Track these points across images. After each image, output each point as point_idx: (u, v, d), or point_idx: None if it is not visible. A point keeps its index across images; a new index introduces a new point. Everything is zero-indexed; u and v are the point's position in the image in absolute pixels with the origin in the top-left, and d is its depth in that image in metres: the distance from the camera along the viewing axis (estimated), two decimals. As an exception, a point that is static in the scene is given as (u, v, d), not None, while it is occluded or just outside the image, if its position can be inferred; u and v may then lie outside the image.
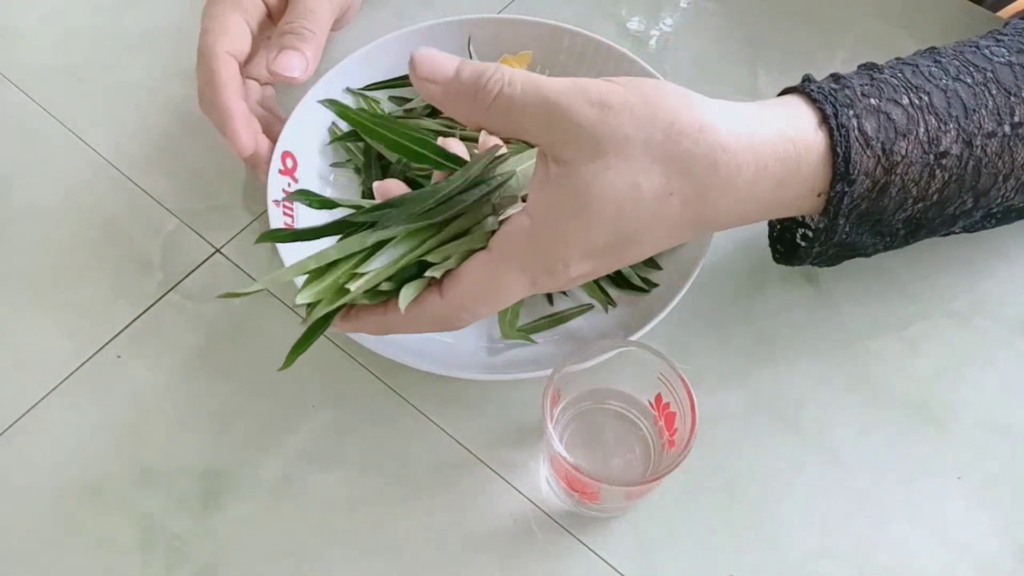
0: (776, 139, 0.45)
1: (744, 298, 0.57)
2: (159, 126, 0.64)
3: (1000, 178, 0.49)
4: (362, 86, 0.62)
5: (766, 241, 0.59)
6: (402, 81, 0.62)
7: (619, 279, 0.56)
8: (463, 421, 0.54)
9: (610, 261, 0.45)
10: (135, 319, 0.57)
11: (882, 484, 0.52)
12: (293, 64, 0.56)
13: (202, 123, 0.59)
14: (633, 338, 0.51)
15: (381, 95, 0.62)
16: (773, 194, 0.46)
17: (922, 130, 0.47)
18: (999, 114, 0.49)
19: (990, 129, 0.48)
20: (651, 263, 0.56)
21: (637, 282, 0.56)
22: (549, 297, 0.56)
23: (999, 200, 0.51)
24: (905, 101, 0.47)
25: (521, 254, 0.44)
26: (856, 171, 0.46)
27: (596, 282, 0.56)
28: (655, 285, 0.56)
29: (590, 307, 0.56)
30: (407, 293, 0.44)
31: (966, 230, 0.54)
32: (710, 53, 0.67)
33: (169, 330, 0.57)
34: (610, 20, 0.69)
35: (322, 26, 0.58)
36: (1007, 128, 0.49)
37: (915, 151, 0.47)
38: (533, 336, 0.55)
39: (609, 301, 0.56)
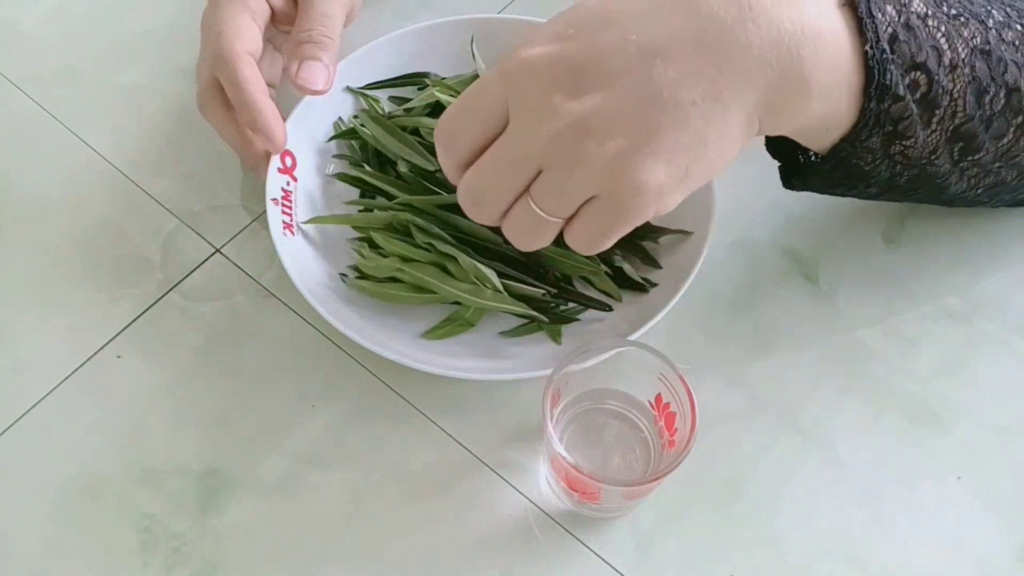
0: None
1: (744, 297, 0.57)
2: (159, 126, 0.64)
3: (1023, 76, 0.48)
4: (362, 85, 0.62)
5: (765, 241, 0.59)
6: (402, 81, 0.62)
7: (619, 278, 0.56)
8: (463, 421, 0.54)
9: (580, 43, 0.42)
10: (135, 319, 0.57)
11: (882, 484, 0.52)
12: (317, 78, 0.57)
13: (202, 123, 0.59)
14: (633, 338, 0.51)
15: (381, 94, 0.62)
16: None
17: None
18: (1007, 13, 0.48)
19: (1001, 19, 0.48)
20: (651, 262, 0.56)
21: (637, 280, 0.56)
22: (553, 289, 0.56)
23: None
24: None
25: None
26: None
27: (595, 283, 0.56)
28: (654, 284, 0.56)
29: (590, 307, 0.56)
30: None
31: (999, 189, 0.52)
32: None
33: (169, 330, 0.57)
34: (610, 20, 0.69)
35: (337, 31, 0.58)
36: (1019, 27, 0.48)
37: (924, 0, 0.46)
38: (527, 336, 0.55)
39: (610, 299, 0.56)
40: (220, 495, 0.52)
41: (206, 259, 0.59)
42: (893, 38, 0.45)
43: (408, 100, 0.62)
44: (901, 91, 0.45)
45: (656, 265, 0.56)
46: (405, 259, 0.55)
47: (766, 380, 0.55)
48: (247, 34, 0.57)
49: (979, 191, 0.52)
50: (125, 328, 0.57)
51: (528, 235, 0.45)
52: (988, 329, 0.56)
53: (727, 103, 0.42)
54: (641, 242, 0.57)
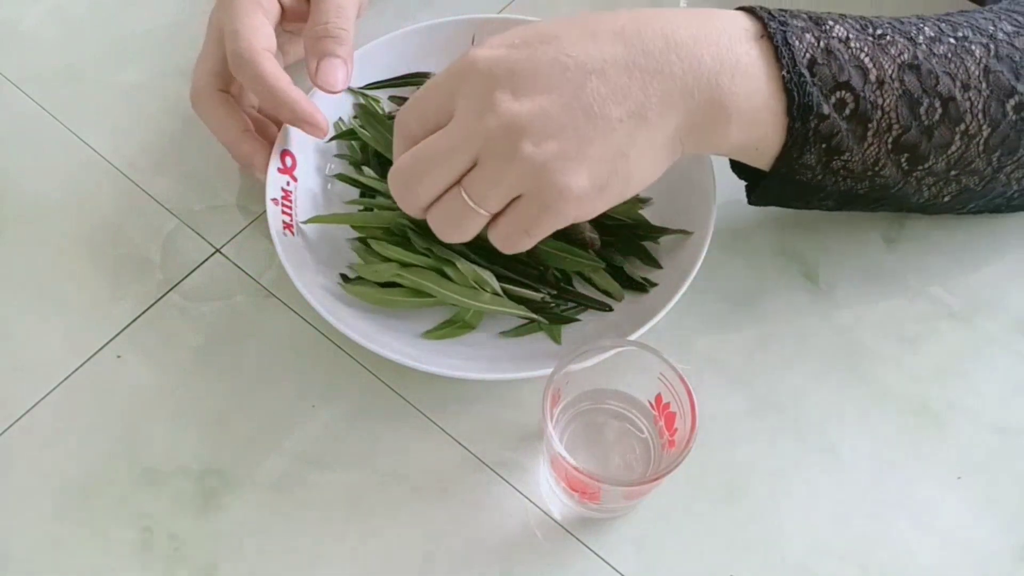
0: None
1: (744, 297, 0.57)
2: (159, 126, 0.64)
3: (959, 85, 0.49)
4: (362, 85, 0.62)
5: (766, 240, 0.59)
6: (402, 80, 0.62)
7: (620, 278, 0.56)
8: (463, 421, 0.54)
9: (524, 52, 0.46)
10: (135, 319, 0.57)
11: (882, 484, 0.52)
12: (338, 78, 0.57)
13: (202, 123, 0.59)
14: (633, 338, 0.51)
15: (381, 94, 0.62)
16: (694, 21, 0.48)
17: (850, 21, 0.50)
18: (940, 29, 0.50)
19: (932, 35, 0.50)
20: (651, 262, 0.56)
21: (637, 280, 0.56)
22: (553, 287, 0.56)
23: (973, 124, 0.50)
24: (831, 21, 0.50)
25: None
26: (784, 17, 0.48)
27: (596, 281, 0.56)
28: (655, 284, 0.56)
29: (590, 307, 0.56)
30: None
31: (967, 196, 0.53)
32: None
33: (169, 330, 0.57)
34: (610, 20, 0.69)
35: (352, 21, 0.58)
36: (951, 40, 0.50)
37: (846, 26, 0.49)
38: (527, 336, 0.55)
39: (610, 299, 0.56)
40: (220, 495, 0.52)
41: (206, 259, 0.59)
42: (812, 62, 0.48)
43: (408, 99, 0.61)
44: (826, 110, 0.48)
45: (656, 265, 0.56)
46: (403, 264, 0.54)
47: (766, 380, 0.55)
48: (262, 31, 0.57)
49: (947, 199, 0.53)
50: (125, 328, 0.57)
51: (454, 224, 0.49)
52: (988, 329, 0.56)
53: (652, 124, 0.46)
54: (641, 242, 0.57)
